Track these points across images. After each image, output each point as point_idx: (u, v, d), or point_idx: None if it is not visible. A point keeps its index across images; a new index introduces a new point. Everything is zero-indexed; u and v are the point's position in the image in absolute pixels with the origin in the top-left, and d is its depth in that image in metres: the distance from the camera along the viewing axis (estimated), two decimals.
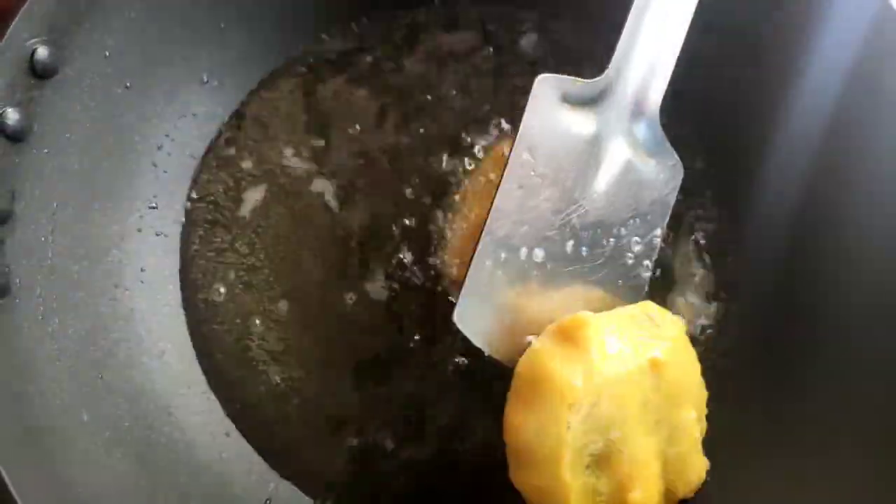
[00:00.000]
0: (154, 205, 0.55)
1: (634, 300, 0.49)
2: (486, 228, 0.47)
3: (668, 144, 0.50)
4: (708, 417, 0.48)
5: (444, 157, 0.56)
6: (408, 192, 0.56)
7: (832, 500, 0.45)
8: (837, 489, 0.45)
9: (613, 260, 0.50)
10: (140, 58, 0.51)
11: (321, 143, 0.57)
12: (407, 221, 0.55)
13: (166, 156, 0.55)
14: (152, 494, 0.49)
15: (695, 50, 0.50)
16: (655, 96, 0.49)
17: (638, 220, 0.50)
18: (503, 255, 0.48)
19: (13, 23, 0.44)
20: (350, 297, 0.55)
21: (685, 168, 0.50)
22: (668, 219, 0.51)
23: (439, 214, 0.55)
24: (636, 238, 0.50)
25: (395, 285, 0.55)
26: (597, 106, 0.49)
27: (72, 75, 0.47)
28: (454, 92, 0.57)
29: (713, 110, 0.49)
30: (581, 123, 0.49)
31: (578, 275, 0.50)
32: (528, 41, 0.58)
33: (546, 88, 0.48)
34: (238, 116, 0.57)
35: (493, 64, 0.57)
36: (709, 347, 0.54)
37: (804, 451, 0.48)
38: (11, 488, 0.40)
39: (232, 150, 0.57)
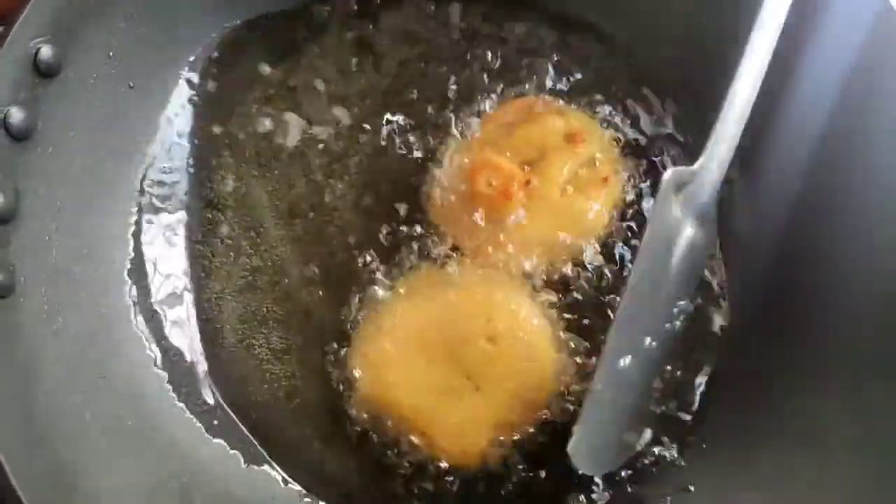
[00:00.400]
0: (157, 204, 0.55)
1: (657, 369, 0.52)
2: (606, 357, 0.48)
3: (715, 209, 0.52)
4: (706, 415, 0.48)
5: (430, 140, 0.57)
6: (399, 193, 0.56)
7: (830, 498, 0.45)
8: (833, 487, 0.45)
9: (668, 340, 0.52)
10: (143, 57, 0.52)
11: (320, 143, 0.57)
12: (400, 209, 0.56)
13: (170, 155, 0.55)
14: (153, 493, 0.49)
15: (697, 55, 0.50)
16: (722, 168, 0.50)
17: (684, 291, 0.52)
18: (619, 380, 0.49)
19: (17, 22, 0.44)
20: (352, 296, 0.55)
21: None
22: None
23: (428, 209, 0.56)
24: (681, 309, 0.52)
25: (393, 284, 0.55)
26: (685, 189, 0.50)
27: (75, 75, 0.48)
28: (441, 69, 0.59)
29: (713, 112, 0.49)
30: (675, 209, 0.50)
31: (652, 364, 0.51)
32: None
33: (670, 183, 0.49)
34: (241, 115, 0.57)
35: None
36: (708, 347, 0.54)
37: (801, 448, 0.48)
38: (15, 486, 0.40)
39: (234, 150, 0.57)
